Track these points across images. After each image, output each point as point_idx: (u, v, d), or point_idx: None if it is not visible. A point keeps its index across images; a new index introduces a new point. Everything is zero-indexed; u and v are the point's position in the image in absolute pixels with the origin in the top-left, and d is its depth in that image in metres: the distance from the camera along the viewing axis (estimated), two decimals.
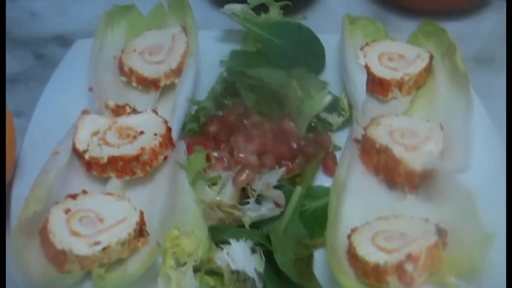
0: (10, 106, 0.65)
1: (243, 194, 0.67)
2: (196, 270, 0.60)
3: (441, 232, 0.62)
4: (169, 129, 0.70)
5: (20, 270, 0.55)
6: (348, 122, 0.76)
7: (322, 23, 0.86)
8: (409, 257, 0.58)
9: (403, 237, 0.61)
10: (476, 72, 0.79)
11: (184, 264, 0.60)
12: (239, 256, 0.60)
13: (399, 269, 0.58)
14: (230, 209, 0.65)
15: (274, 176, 0.67)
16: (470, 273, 0.58)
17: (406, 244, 0.60)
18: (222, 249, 0.60)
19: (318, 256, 0.63)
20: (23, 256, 0.55)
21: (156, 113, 0.72)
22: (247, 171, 0.66)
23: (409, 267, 0.58)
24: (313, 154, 0.71)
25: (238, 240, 0.61)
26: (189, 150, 0.69)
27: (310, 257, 0.63)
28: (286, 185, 0.68)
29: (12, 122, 0.66)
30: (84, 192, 0.65)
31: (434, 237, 0.60)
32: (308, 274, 0.61)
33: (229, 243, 0.61)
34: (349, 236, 0.62)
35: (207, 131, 0.72)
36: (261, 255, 0.60)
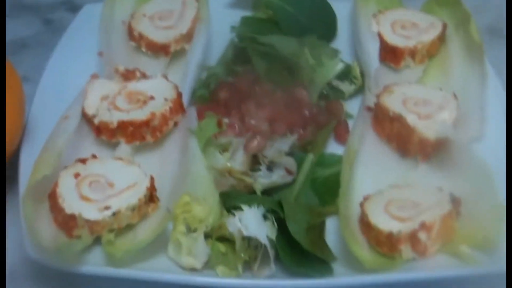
0: (18, 71, 0.64)
1: (254, 161, 0.65)
2: (207, 236, 0.60)
3: (455, 201, 0.60)
4: (179, 95, 0.68)
5: (30, 235, 0.54)
6: (360, 91, 0.75)
7: None
8: (423, 225, 0.57)
9: (416, 206, 0.60)
10: (490, 44, 0.77)
11: (195, 230, 0.59)
12: (251, 222, 0.59)
13: (413, 237, 0.57)
14: (241, 175, 0.64)
15: (286, 143, 0.66)
16: (484, 244, 0.57)
17: (419, 212, 0.59)
18: (234, 215, 0.59)
19: (330, 224, 0.62)
20: (33, 221, 0.54)
21: (166, 78, 0.70)
22: (258, 138, 0.65)
23: (422, 236, 0.57)
24: (325, 122, 0.70)
25: (250, 206, 0.60)
26: (200, 116, 0.68)
27: (322, 225, 0.61)
28: (297, 153, 0.67)
29: (20, 87, 0.65)
30: (94, 156, 0.63)
31: (448, 206, 0.59)
32: (320, 242, 0.60)
33: (241, 209, 0.60)
34: (361, 204, 0.61)
35: (218, 97, 0.71)
36: (273, 222, 0.60)
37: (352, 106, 0.73)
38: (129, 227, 0.59)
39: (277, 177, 0.64)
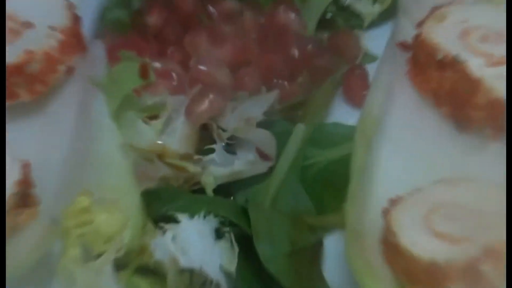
0: None
1: (205, 137, 0.65)
2: (120, 266, 0.58)
3: None
4: (76, 19, 0.66)
5: None
6: (390, 15, 0.74)
7: None
8: (489, 251, 0.55)
9: (478, 217, 0.58)
10: None
11: (99, 256, 0.57)
12: (193, 244, 0.58)
13: (471, 270, 0.55)
14: (181, 161, 0.63)
15: (259, 105, 0.65)
16: None
17: (483, 228, 0.57)
18: (163, 230, 0.58)
19: (330, 245, 0.62)
20: None
21: None
22: (211, 96, 0.64)
23: (487, 267, 0.55)
24: (327, 69, 0.69)
25: (192, 216, 0.59)
26: (112, 58, 0.66)
27: (316, 248, 0.61)
28: (279, 122, 0.67)
29: None
30: None
31: None
32: (312, 276, 0.60)
33: (176, 221, 0.58)
34: (385, 212, 0.59)
35: (144, 24, 0.70)
36: (232, 243, 0.58)
37: (375, 42, 0.72)
38: None
39: (242, 164, 0.64)
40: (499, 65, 0.65)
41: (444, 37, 0.67)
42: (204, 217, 0.59)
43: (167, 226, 0.58)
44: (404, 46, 0.69)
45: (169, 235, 0.58)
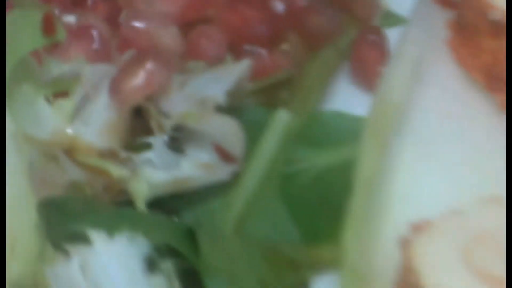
0: None
1: (138, 126, 0.67)
2: None
3: None
4: None
5: None
6: None
7: None
8: None
9: None
10: None
11: None
12: (112, 276, 0.60)
13: None
14: (100, 160, 0.65)
15: (222, 80, 0.67)
16: None
17: None
18: (68, 255, 0.60)
19: None
20: None
21: None
22: (149, 66, 0.65)
23: None
24: (327, 32, 0.71)
25: (111, 236, 0.61)
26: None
27: None
28: (251, 107, 0.69)
29: None
30: None
31: None
32: None
33: (87, 241, 0.60)
34: (405, 244, 0.61)
35: None
36: (170, 279, 0.61)
37: None
38: None
39: (192, 167, 0.65)
40: None
41: None
42: (131, 238, 0.60)
43: (74, 250, 0.59)
44: (444, 1, 0.71)
45: (75, 261, 0.59)
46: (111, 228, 0.61)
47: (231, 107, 0.67)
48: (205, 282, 0.60)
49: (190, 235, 0.62)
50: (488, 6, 0.69)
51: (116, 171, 0.65)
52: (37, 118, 0.66)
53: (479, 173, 0.66)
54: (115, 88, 0.66)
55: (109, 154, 0.65)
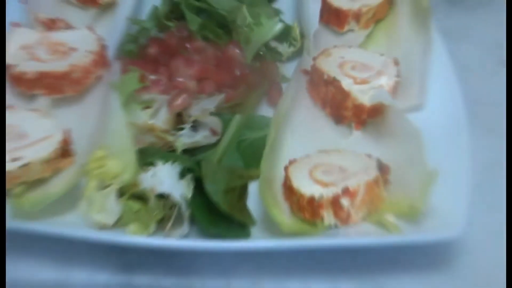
0: None
1: (179, 121, 0.67)
2: (122, 193, 0.61)
3: (382, 168, 0.62)
4: (103, 47, 0.70)
5: None
6: (299, 53, 0.76)
7: None
8: (346, 191, 0.59)
9: (342, 171, 0.61)
10: (449, 13, 0.79)
11: (108, 187, 0.61)
12: (166, 179, 0.60)
13: (335, 203, 0.59)
14: (162, 133, 0.66)
15: (212, 102, 0.68)
16: (410, 213, 0.58)
17: (344, 178, 0.60)
18: (148, 171, 0.61)
19: (252, 187, 0.63)
20: None
21: (91, 30, 0.72)
22: (183, 96, 0.67)
23: (345, 202, 0.59)
24: (257, 84, 0.72)
25: (165, 163, 0.61)
26: (124, 71, 0.69)
27: (243, 189, 0.63)
28: (225, 114, 0.69)
29: None
30: (10, 107, 0.65)
31: (374, 173, 0.61)
32: (240, 205, 0.61)
33: (155, 165, 0.61)
34: (286, 168, 0.62)
35: (147, 53, 0.73)
36: (190, 181, 0.61)
37: (289, 70, 0.74)
38: (41, 181, 0.61)
39: (200, 136, 0.66)
40: (361, 84, 0.68)
41: (328, 66, 0.70)
42: (173, 164, 0.61)
43: (150, 168, 0.61)
44: (305, 72, 0.72)
45: (150, 172, 0.61)
46: (165, 159, 0.62)
47: (217, 113, 0.68)
48: (204, 183, 0.60)
49: (198, 163, 0.63)
50: (322, 73, 0.69)
51: (170, 138, 0.66)
52: (137, 117, 0.67)
53: (317, 141, 0.68)
54: (170, 104, 0.67)
55: (166, 131, 0.67)
